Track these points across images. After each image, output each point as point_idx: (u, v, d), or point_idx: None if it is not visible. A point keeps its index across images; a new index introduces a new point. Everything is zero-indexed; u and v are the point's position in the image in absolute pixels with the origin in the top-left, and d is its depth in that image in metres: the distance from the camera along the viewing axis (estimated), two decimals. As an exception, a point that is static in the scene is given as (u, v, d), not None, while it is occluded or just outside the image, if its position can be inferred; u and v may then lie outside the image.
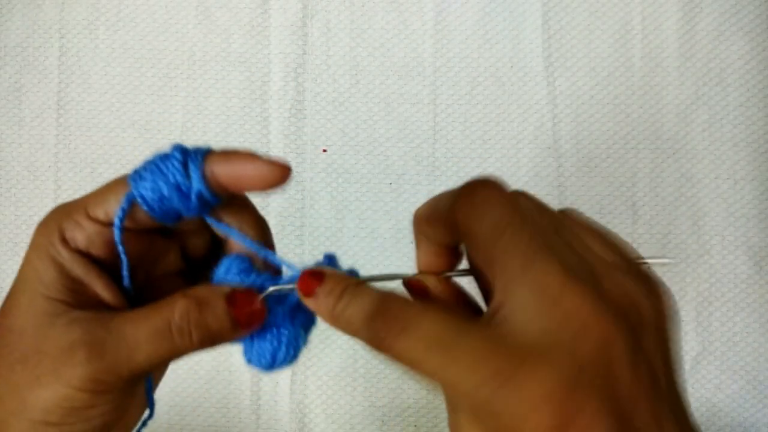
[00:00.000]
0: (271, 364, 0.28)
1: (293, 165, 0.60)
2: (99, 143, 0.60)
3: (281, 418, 0.58)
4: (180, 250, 0.31)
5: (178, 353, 0.26)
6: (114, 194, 0.27)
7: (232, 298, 0.27)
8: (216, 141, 0.59)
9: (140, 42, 0.60)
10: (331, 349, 0.59)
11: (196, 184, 0.26)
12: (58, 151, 0.60)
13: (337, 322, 0.25)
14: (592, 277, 0.23)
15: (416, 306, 0.24)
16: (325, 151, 0.59)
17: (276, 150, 0.59)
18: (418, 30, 0.59)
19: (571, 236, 0.24)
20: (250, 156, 0.26)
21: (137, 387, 0.28)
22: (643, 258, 0.26)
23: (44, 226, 0.27)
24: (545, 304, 0.22)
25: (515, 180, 0.58)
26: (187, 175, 0.26)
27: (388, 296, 0.25)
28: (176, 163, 0.26)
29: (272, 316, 0.28)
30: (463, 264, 0.29)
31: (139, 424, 0.30)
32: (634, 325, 0.22)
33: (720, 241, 0.57)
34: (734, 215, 0.57)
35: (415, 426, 0.58)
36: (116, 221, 0.26)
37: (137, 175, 0.26)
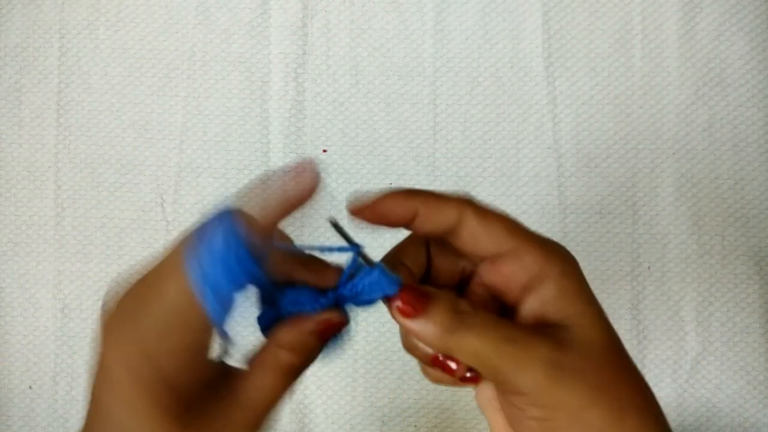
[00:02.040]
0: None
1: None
2: (99, 143, 0.60)
3: (281, 418, 0.58)
4: None
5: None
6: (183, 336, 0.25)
7: (322, 323, 0.28)
8: (216, 141, 0.59)
9: (140, 42, 0.60)
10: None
11: (249, 266, 0.24)
12: (58, 151, 0.60)
13: (448, 345, 0.25)
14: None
15: (524, 326, 0.27)
16: (325, 151, 0.59)
17: (276, 150, 0.59)
18: (418, 30, 0.59)
19: None
20: (278, 187, 0.25)
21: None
22: None
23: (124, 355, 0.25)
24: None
25: (515, 180, 0.58)
26: (241, 266, 0.24)
27: (512, 325, 0.26)
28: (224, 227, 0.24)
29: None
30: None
31: None
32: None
33: (720, 241, 0.57)
34: (734, 215, 0.57)
35: (415, 426, 0.58)
36: (219, 331, 0.25)
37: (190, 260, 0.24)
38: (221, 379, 0.27)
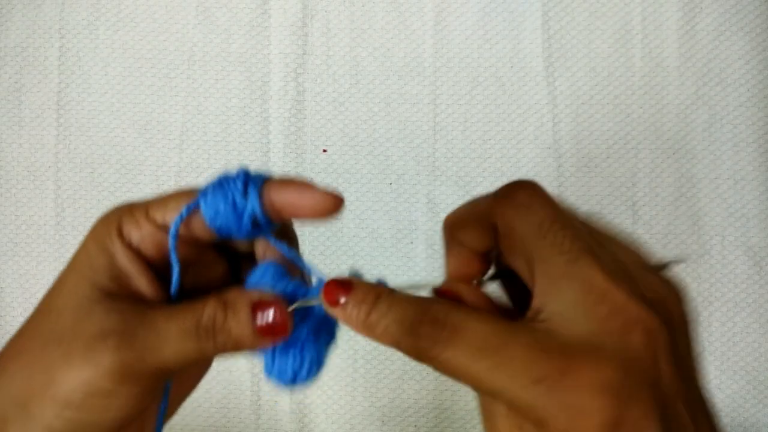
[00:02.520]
0: (293, 381, 0.28)
1: (293, 165, 0.61)
2: (99, 143, 0.60)
3: (281, 418, 0.58)
4: (229, 269, 0.31)
5: (203, 354, 0.26)
6: (175, 202, 0.27)
7: (258, 305, 0.26)
8: (216, 141, 0.59)
9: (140, 42, 0.60)
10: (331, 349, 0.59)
11: (252, 206, 0.26)
12: (58, 151, 0.60)
13: (371, 331, 0.25)
14: (629, 278, 0.23)
15: (461, 311, 0.24)
16: (325, 151, 0.59)
17: (276, 150, 0.59)
18: (418, 30, 0.59)
19: (602, 239, 0.25)
20: (307, 185, 0.26)
21: (159, 390, 0.28)
22: (659, 261, 0.27)
23: (106, 217, 0.28)
24: (590, 303, 0.22)
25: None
26: (246, 196, 0.27)
27: (431, 302, 0.24)
28: (238, 184, 0.27)
29: (297, 332, 0.27)
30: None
31: None
32: (669, 322, 0.23)
33: (720, 241, 0.57)
34: (734, 215, 0.57)
35: (415, 426, 0.58)
36: (172, 227, 0.27)
37: (204, 189, 0.28)
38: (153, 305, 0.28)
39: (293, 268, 0.30)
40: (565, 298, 0.23)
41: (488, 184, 0.58)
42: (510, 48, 0.59)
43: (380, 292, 0.25)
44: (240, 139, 0.59)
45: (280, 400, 0.59)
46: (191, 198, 0.27)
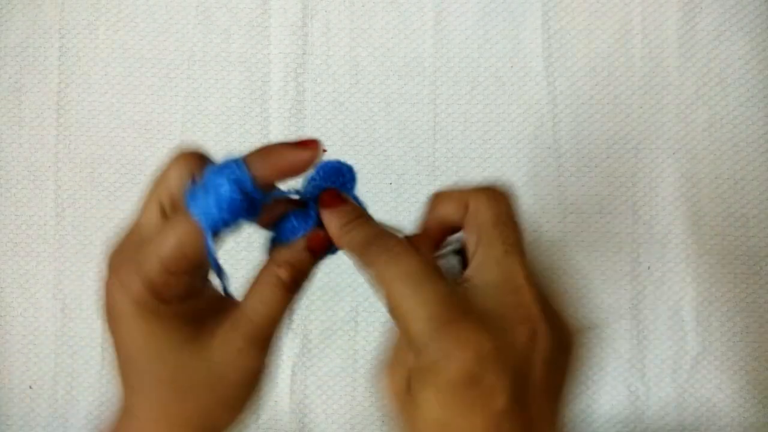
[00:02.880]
0: (294, 233, 0.31)
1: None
2: (99, 143, 0.60)
3: (281, 418, 0.58)
4: None
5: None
6: (177, 235, 0.27)
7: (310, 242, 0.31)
8: (216, 141, 0.59)
9: (140, 42, 0.60)
10: (331, 349, 0.59)
11: (250, 189, 0.27)
12: (58, 151, 0.60)
13: (340, 238, 0.30)
14: (542, 291, 0.28)
15: (408, 248, 0.29)
16: (325, 151, 0.59)
17: (276, 150, 0.59)
18: (418, 30, 0.59)
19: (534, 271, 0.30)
20: (282, 146, 0.29)
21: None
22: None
23: (119, 280, 0.28)
24: (504, 290, 0.27)
25: (515, 180, 0.58)
26: (239, 187, 0.27)
27: (386, 232, 0.30)
28: (232, 171, 0.27)
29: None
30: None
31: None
32: (557, 342, 0.27)
33: (720, 241, 0.57)
34: (734, 215, 0.57)
35: (415, 426, 0.58)
36: (212, 261, 0.28)
37: (192, 202, 0.27)
38: (224, 304, 0.31)
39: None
40: (489, 278, 0.28)
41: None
42: (510, 48, 0.59)
43: (362, 213, 0.31)
44: (240, 139, 0.59)
45: (280, 400, 0.59)
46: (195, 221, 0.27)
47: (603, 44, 0.58)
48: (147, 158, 0.59)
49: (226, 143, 0.59)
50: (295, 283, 0.30)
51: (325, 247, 0.31)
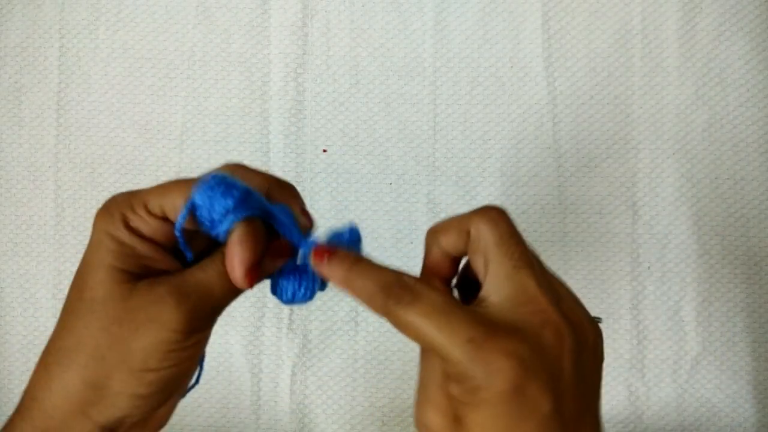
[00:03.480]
0: (290, 299, 0.32)
1: (293, 165, 0.60)
2: (99, 143, 0.60)
3: (281, 418, 0.58)
4: None
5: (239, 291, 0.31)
6: (172, 193, 0.30)
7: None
8: (216, 141, 0.59)
9: (140, 42, 0.60)
10: (331, 349, 0.59)
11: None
12: (58, 151, 0.60)
13: (348, 286, 0.30)
14: (556, 294, 0.29)
15: (424, 284, 0.30)
16: (325, 151, 0.59)
17: (276, 150, 0.59)
18: (418, 30, 0.59)
19: (543, 268, 0.32)
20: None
21: (209, 330, 0.32)
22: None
23: (107, 213, 0.30)
24: (522, 301, 0.28)
25: (515, 180, 0.58)
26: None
27: (401, 273, 0.30)
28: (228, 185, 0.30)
29: (298, 266, 0.32)
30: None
31: (193, 380, 0.33)
32: (579, 338, 0.28)
33: (720, 241, 0.57)
34: (734, 215, 0.57)
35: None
36: (177, 227, 0.29)
37: (201, 183, 0.29)
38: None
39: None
40: (504, 293, 0.29)
41: (488, 184, 0.58)
42: (510, 48, 0.59)
43: (360, 257, 0.31)
44: (240, 139, 0.59)
45: (280, 400, 0.59)
46: (186, 190, 0.29)
47: (603, 44, 0.58)
48: (147, 158, 0.59)
49: (226, 143, 0.59)
50: (251, 268, 0.30)
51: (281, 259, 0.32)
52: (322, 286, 0.33)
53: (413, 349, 0.58)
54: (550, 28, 0.58)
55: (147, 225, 0.30)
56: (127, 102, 0.60)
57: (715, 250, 0.57)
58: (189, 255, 0.30)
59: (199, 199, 0.29)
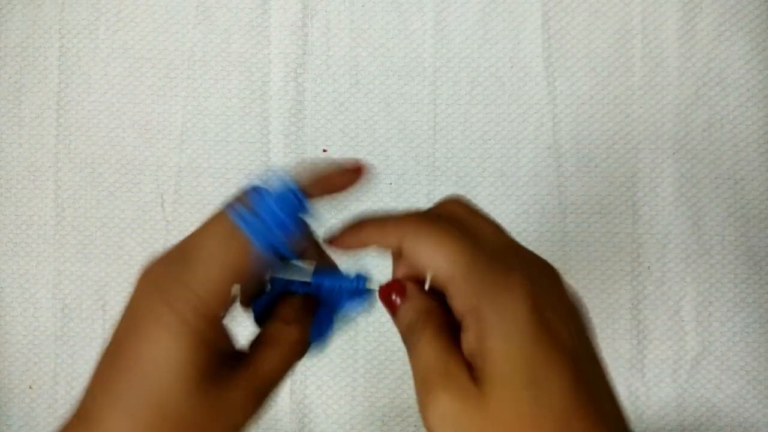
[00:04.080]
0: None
1: (293, 165, 0.60)
2: (99, 143, 0.60)
3: (281, 418, 0.58)
4: None
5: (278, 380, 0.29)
6: (220, 267, 0.26)
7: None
8: (216, 141, 0.59)
9: (140, 42, 0.60)
10: (331, 349, 0.59)
11: (298, 205, 0.28)
12: (58, 151, 0.60)
13: (409, 340, 0.28)
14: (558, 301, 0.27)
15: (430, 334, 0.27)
16: (325, 151, 0.59)
17: (276, 150, 0.59)
18: (418, 30, 0.59)
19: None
20: (330, 174, 0.30)
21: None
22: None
23: (163, 297, 0.26)
24: (530, 345, 0.24)
25: (515, 180, 0.58)
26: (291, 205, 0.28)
27: (449, 359, 0.26)
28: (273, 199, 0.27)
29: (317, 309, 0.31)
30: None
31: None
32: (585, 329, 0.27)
33: (720, 241, 0.57)
34: (734, 215, 0.57)
35: (415, 426, 0.58)
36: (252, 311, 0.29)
37: (244, 221, 0.27)
38: (233, 354, 0.29)
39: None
40: (508, 352, 0.25)
41: (488, 184, 0.58)
42: (510, 48, 0.59)
43: (431, 306, 0.28)
44: (240, 139, 0.59)
45: (280, 400, 0.59)
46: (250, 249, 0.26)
47: (603, 44, 0.58)
48: (147, 158, 0.60)
49: (226, 143, 0.59)
50: (302, 343, 0.30)
51: (316, 317, 0.31)
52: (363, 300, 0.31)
53: (413, 349, 0.58)
54: (550, 28, 0.58)
55: (202, 320, 0.26)
56: (127, 102, 0.60)
57: (715, 250, 0.57)
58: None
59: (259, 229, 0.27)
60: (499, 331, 0.24)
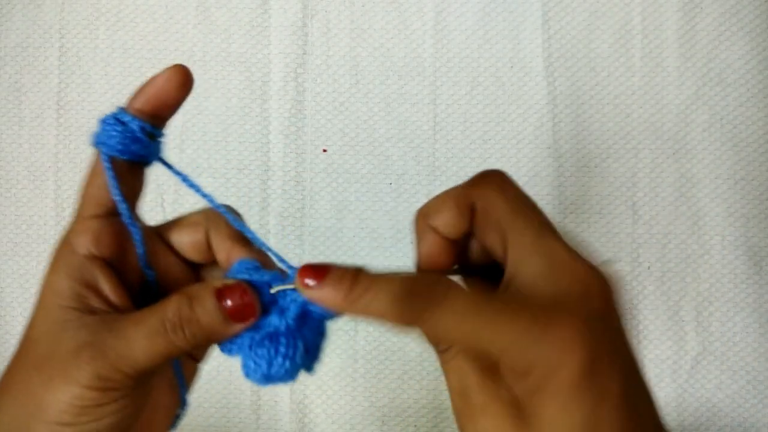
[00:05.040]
0: (267, 374, 0.27)
1: (293, 165, 0.60)
2: (99, 143, 0.60)
3: (281, 418, 0.58)
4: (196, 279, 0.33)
5: (175, 350, 0.27)
6: (92, 186, 0.30)
7: (222, 291, 0.27)
8: (216, 141, 0.59)
9: (140, 42, 0.60)
10: (331, 349, 0.59)
11: (134, 123, 0.32)
12: (58, 151, 0.60)
13: (354, 306, 0.25)
14: (579, 255, 0.27)
15: (442, 281, 0.26)
16: (325, 151, 0.59)
17: (276, 150, 0.59)
18: (418, 30, 0.59)
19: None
20: (152, 79, 0.32)
21: (148, 386, 0.29)
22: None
23: (57, 246, 0.29)
24: (556, 272, 0.26)
25: (515, 180, 0.58)
26: (123, 122, 0.32)
27: (417, 277, 0.26)
28: (113, 120, 0.33)
29: (273, 327, 0.27)
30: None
31: (174, 419, 0.31)
32: (616, 293, 0.26)
33: (720, 241, 0.57)
34: (734, 215, 0.57)
35: (415, 426, 0.58)
36: (108, 174, 0.30)
37: (96, 141, 0.32)
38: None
39: (267, 264, 0.31)
40: (535, 269, 0.26)
41: (488, 184, 0.58)
42: (510, 48, 0.59)
43: (358, 270, 0.26)
44: (240, 139, 0.59)
45: (280, 400, 0.59)
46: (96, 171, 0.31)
47: (603, 44, 0.58)
48: (147, 158, 0.59)
49: (226, 143, 0.59)
50: (190, 344, 0.27)
51: (247, 317, 0.27)
52: (330, 314, 0.28)
53: (413, 349, 0.58)
54: (550, 28, 0.58)
55: (88, 233, 0.28)
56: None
57: (715, 250, 0.57)
58: (137, 234, 0.29)
59: (104, 142, 0.33)
60: (551, 393, 0.24)
